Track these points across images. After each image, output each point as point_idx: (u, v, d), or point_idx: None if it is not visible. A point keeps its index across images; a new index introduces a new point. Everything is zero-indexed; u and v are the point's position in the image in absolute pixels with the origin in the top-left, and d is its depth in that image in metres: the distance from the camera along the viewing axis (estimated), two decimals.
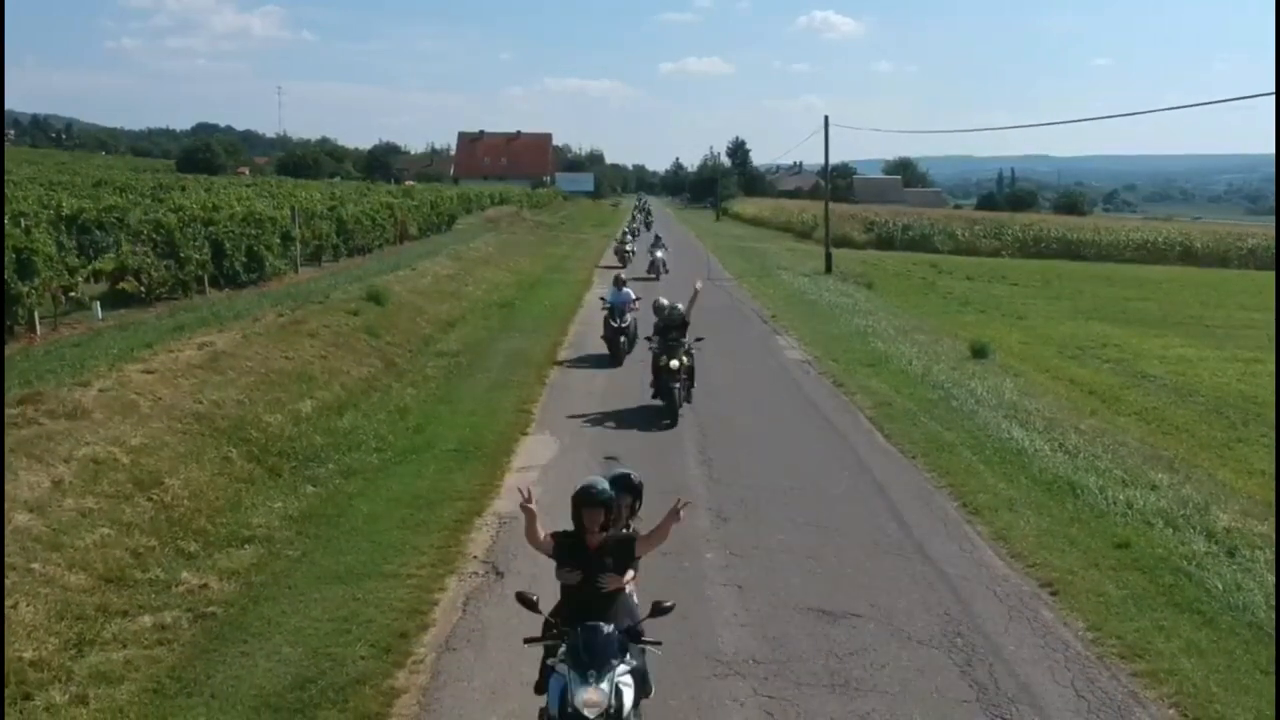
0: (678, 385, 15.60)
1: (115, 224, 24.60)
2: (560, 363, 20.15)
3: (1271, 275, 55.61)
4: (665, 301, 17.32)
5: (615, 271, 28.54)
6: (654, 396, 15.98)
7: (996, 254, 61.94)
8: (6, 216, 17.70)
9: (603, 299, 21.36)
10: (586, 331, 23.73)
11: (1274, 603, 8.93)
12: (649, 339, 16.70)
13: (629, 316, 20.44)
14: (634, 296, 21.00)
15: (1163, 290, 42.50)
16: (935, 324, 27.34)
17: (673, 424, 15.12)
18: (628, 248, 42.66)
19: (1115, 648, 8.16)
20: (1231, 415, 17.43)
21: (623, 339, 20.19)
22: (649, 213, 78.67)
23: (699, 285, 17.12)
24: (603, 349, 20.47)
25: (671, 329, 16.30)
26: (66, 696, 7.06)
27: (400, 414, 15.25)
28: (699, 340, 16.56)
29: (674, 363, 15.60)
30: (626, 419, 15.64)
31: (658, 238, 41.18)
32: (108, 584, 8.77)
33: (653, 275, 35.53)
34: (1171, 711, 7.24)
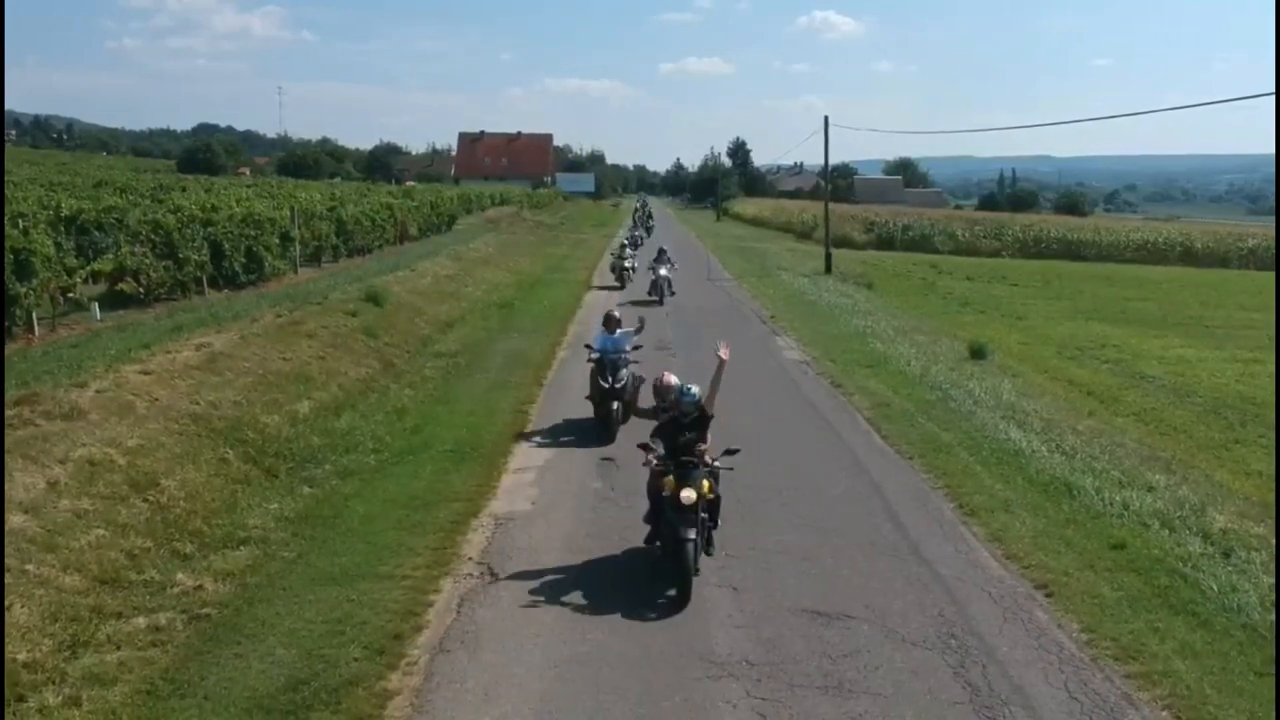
0: (694, 533, 9.18)
1: (114, 225, 24.58)
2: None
3: (1271, 275, 55.67)
4: (673, 381, 11.12)
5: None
6: (649, 539, 9.97)
7: (997, 254, 61.95)
8: (5, 217, 17.68)
9: (589, 346, 15.60)
10: (585, 333, 23.69)
11: (1268, 604, 8.93)
12: (646, 448, 9.92)
13: (624, 372, 14.66)
14: (632, 341, 15.49)
15: (1163, 290, 42.50)
16: (934, 324, 27.34)
17: (682, 599, 8.97)
18: (627, 264, 35.27)
19: (1109, 649, 8.15)
20: (1230, 416, 17.42)
21: (616, 405, 14.48)
22: (650, 215, 75.49)
23: (724, 353, 10.47)
24: (586, 410, 15.20)
25: (684, 429, 9.93)
26: (60, 698, 7.06)
27: (398, 415, 15.26)
28: (731, 454, 9.87)
29: (687, 493, 9.25)
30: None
31: (661, 251, 33.63)
32: (102, 585, 8.77)
33: (655, 298, 30.30)
34: (1165, 714, 7.24)
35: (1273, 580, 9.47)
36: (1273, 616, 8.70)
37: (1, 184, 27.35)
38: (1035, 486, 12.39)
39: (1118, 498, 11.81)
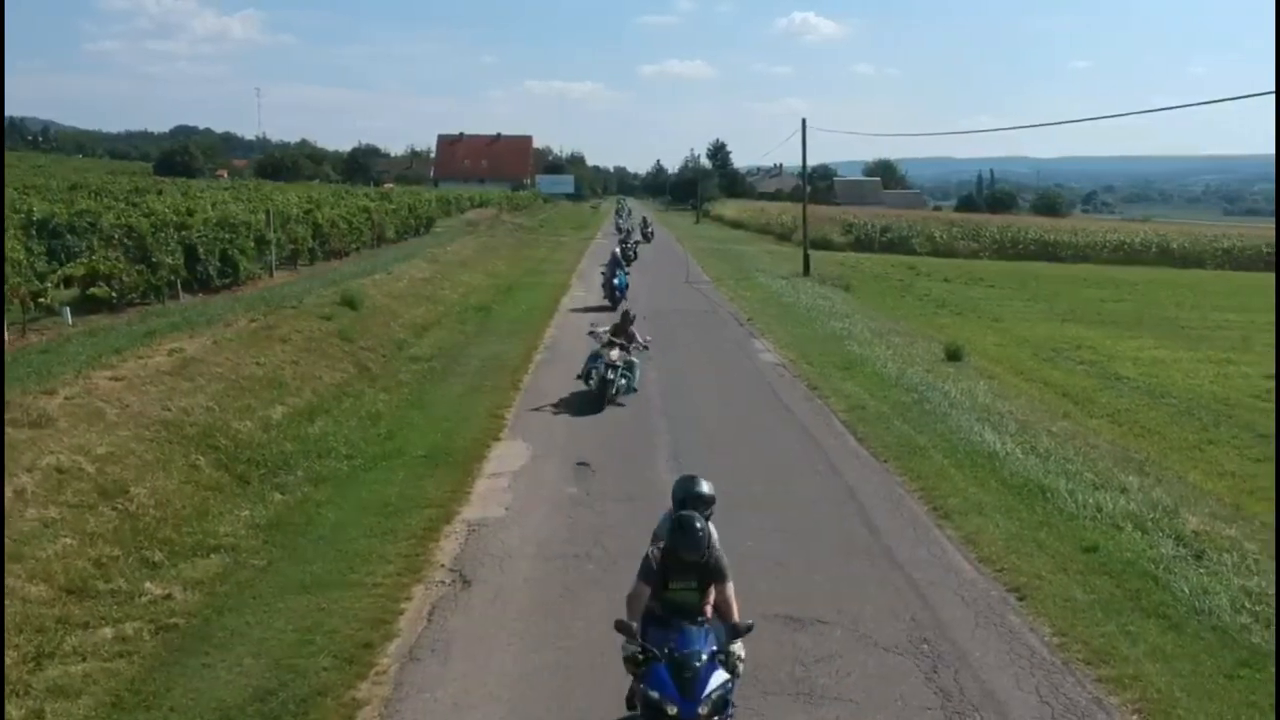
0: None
1: (87, 228, 24.32)
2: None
3: (1247, 276, 56.17)
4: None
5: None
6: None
7: (974, 256, 62.26)
8: None
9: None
10: (562, 336, 23.69)
11: (1239, 606, 8.97)
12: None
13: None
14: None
15: (1138, 292, 42.76)
16: (911, 326, 27.44)
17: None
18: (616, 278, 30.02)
19: (1081, 653, 8.16)
20: (1203, 417, 17.53)
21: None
22: (628, 214, 73.63)
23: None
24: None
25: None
26: (23, 711, 6.97)
27: (372, 420, 15.17)
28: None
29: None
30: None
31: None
32: (69, 595, 8.67)
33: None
34: (1135, 717, 7.25)
35: (1244, 582, 9.51)
36: (1243, 619, 8.74)
37: (2, 190, 26.81)
38: (1009, 489, 12.41)
39: (1091, 500, 11.83)
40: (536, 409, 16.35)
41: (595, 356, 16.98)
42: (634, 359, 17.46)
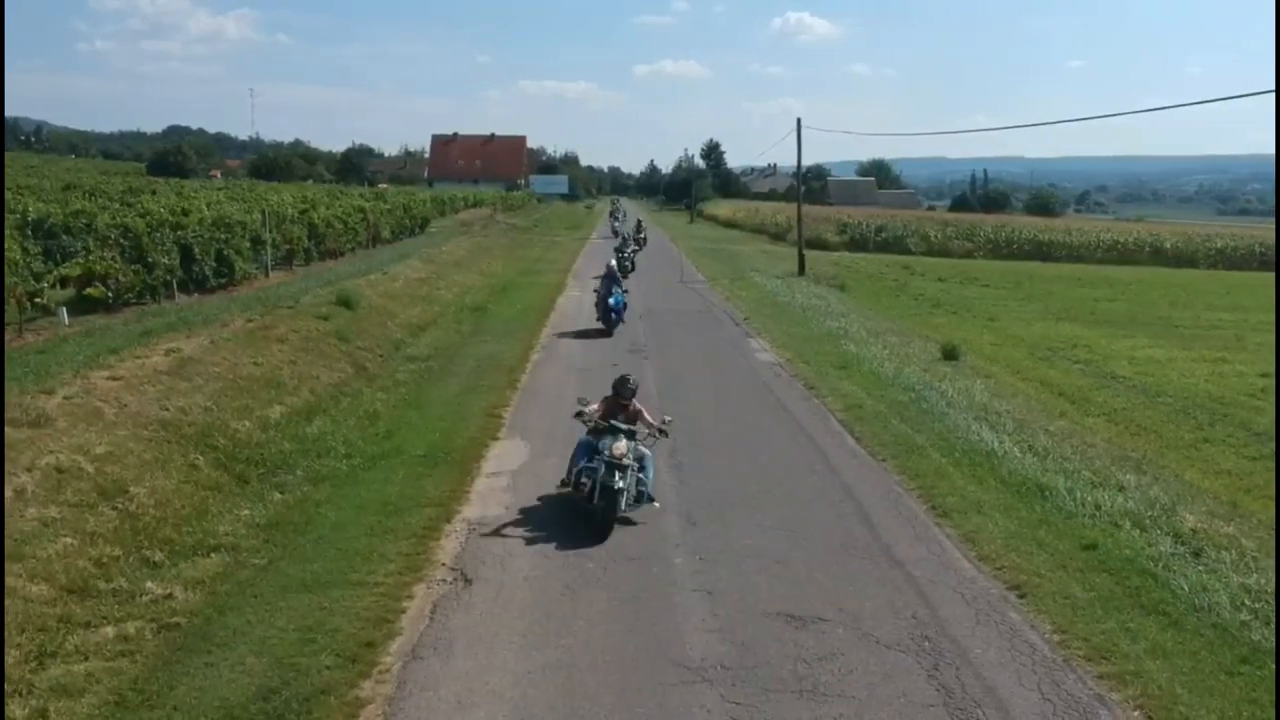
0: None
1: (83, 229, 24.30)
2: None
3: (1240, 275, 56.34)
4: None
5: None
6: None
7: (969, 255, 62.40)
8: None
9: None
10: (556, 340, 23.69)
11: (1238, 603, 9.00)
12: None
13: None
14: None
15: (1132, 291, 42.88)
16: (907, 326, 27.49)
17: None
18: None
19: (1081, 650, 8.19)
20: (1199, 416, 17.59)
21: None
22: (623, 216, 74.45)
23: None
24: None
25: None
26: (26, 710, 6.96)
27: (370, 419, 15.15)
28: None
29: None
30: None
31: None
32: (70, 595, 8.66)
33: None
34: (1136, 713, 7.28)
35: (1242, 580, 9.55)
36: (1243, 616, 8.78)
37: (1, 192, 26.73)
38: (1007, 487, 12.45)
39: (1089, 498, 11.87)
40: (534, 408, 16.24)
41: (589, 450, 11.24)
42: (645, 449, 11.56)
